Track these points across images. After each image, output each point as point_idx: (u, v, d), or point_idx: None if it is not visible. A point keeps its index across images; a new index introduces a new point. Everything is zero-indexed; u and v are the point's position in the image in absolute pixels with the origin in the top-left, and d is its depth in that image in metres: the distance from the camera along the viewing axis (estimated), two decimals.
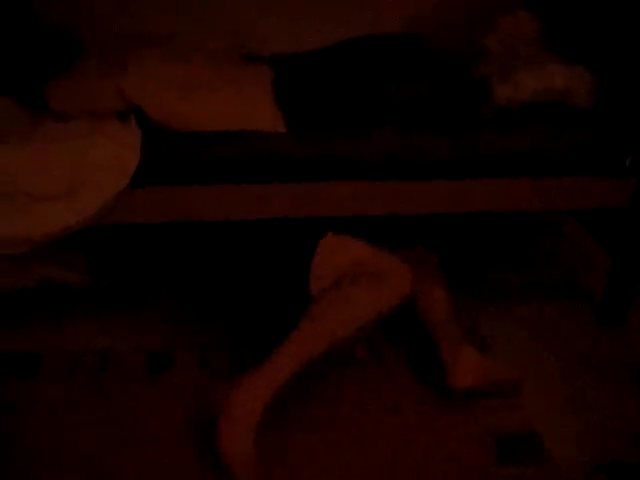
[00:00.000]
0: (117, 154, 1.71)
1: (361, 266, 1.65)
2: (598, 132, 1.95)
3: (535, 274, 2.34)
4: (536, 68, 2.00)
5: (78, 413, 1.75)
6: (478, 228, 2.38)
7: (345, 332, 1.59)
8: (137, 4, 2.24)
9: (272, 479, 1.57)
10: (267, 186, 1.77)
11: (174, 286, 2.01)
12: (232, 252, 1.83)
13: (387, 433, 1.73)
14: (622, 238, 2.09)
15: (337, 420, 1.77)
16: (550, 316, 2.20)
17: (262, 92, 1.87)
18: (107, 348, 1.97)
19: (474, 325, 2.13)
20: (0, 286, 1.94)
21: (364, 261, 1.67)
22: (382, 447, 1.69)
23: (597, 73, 2.03)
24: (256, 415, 1.50)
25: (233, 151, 1.74)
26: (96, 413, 1.75)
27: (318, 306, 1.60)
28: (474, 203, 1.91)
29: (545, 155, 1.90)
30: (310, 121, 1.83)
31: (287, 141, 1.77)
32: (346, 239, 1.72)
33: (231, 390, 1.52)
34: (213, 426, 1.51)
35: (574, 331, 2.15)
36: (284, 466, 1.62)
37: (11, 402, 1.76)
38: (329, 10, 2.31)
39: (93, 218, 1.69)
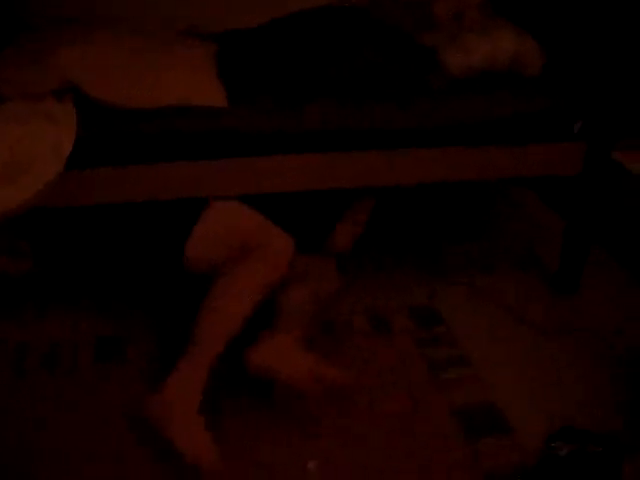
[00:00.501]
0: (54, 136, 1.64)
1: (245, 235, 1.70)
2: (547, 99, 1.94)
3: (490, 245, 2.33)
4: (485, 35, 1.98)
5: (29, 404, 1.69)
6: (430, 200, 2.37)
7: (246, 310, 1.62)
8: None
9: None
10: (212, 162, 1.72)
11: (116, 271, 1.95)
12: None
13: (346, 419, 1.69)
14: (575, 204, 2.09)
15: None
16: (507, 286, 2.20)
17: (204, 66, 1.82)
18: (54, 338, 1.90)
19: (431, 299, 2.12)
20: None
21: (248, 231, 1.71)
22: (345, 434, 1.65)
23: (544, 39, 2.02)
24: (195, 407, 1.54)
25: (175, 127, 1.69)
26: (46, 404, 1.69)
27: (214, 296, 1.63)
28: (425, 173, 1.88)
29: (495, 123, 1.89)
30: (253, 94, 1.78)
31: (229, 115, 1.72)
32: (233, 206, 1.73)
33: (160, 395, 1.55)
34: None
35: (531, 301, 2.15)
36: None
37: None
38: None
39: (30, 202, 1.62)
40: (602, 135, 1.95)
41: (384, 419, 1.70)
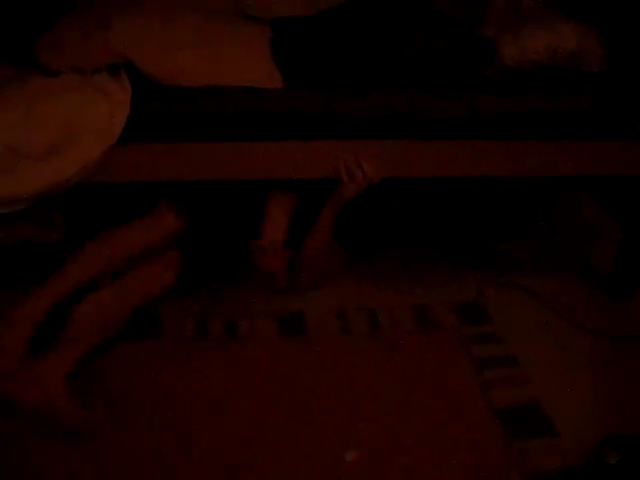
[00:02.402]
0: (107, 110, 1.64)
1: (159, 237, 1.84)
2: (608, 95, 1.87)
3: (542, 245, 2.26)
4: (545, 28, 1.92)
5: None
6: (481, 198, 2.31)
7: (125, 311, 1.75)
8: None
9: None
10: (262, 144, 1.70)
11: None
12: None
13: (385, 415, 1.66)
14: (633, 207, 2.02)
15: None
16: (557, 287, 2.13)
17: (259, 48, 1.80)
18: None
19: (480, 296, 2.07)
20: None
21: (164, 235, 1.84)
22: (383, 431, 1.61)
23: (609, 35, 1.95)
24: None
25: (226, 106, 1.67)
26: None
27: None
28: (478, 166, 1.83)
29: (552, 118, 1.82)
30: (308, 77, 1.76)
31: (283, 97, 1.69)
32: None
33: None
34: None
35: (581, 302, 2.08)
36: None
37: None
38: None
39: (80, 176, 1.63)
40: None
41: (425, 416, 1.65)
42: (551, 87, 1.86)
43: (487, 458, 1.56)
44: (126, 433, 1.57)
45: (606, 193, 2.39)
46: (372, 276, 2.14)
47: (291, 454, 1.53)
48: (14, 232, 1.89)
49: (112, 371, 1.73)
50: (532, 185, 1.99)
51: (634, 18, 1.95)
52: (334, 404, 1.67)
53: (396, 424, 1.63)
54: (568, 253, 2.29)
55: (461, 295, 2.07)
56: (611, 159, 1.90)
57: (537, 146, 1.84)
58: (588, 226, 2.38)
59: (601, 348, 1.91)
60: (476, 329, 1.94)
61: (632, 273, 2.10)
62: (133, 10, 1.79)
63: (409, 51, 1.87)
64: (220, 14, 1.93)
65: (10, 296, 1.73)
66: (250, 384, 1.71)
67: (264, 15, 2.05)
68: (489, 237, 2.28)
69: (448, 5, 2.15)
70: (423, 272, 2.18)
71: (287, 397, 1.68)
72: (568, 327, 1.98)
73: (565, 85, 1.88)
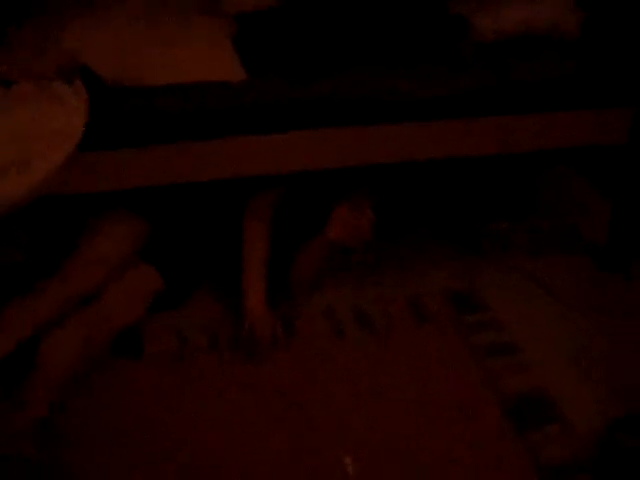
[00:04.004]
0: (65, 118, 1.56)
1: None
2: (585, 62, 1.82)
3: (531, 224, 2.18)
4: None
5: None
6: (466, 180, 2.24)
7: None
8: None
9: None
10: (228, 140, 1.62)
11: None
12: None
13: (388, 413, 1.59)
14: (621, 177, 1.95)
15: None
16: (551, 267, 2.06)
17: (218, 41, 1.73)
18: None
19: (471, 282, 2.00)
20: None
21: None
22: (388, 428, 1.55)
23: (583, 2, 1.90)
24: None
25: (189, 104, 1.59)
26: None
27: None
28: (457, 146, 1.76)
29: (532, 90, 1.76)
30: (271, 69, 1.69)
31: (246, 89, 1.62)
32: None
33: None
34: None
35: (577, 281, 2.02)
36: None
37: None
38: None
39: (43, 188, 1.54)
40: None
41: (431, 412, 1.59)
42: (527, 59, 1.80)
43: (498, 452, 1.50)
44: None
45: (591, 166, 2.33)
46: (359, 271, 2.04)
47: (290, 458, 1.47)
48: None
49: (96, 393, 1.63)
50: (516, 163, 1.93)
51: None
52: (332, 408, 1.59)
53: (401, 422, 1.56)
54: (560, 232, 2.21)
55: (454, 283, 1.99)
56: (594, 128, 1.84)
57: (517, 121, 1.77)
58: (577, 202, 2.32)
59: (602, 327, 1.84)
60: (473, 317, 1.87)
61: (625, 246, 2.03)
62: (86, 12, 1.71)
63: (380, 31, 1.81)
64: (180, 10, 1.85)
65: None
66: (244, 392, 1.63)
67: (230, 9, 1.98)
68: (477, 220, 2.20)
69: None
70: (412, 262, 2.09)
71: (282, 403, 1.60)
72: (566, 308, 1.90)
73: (541, 55, 1.82)
